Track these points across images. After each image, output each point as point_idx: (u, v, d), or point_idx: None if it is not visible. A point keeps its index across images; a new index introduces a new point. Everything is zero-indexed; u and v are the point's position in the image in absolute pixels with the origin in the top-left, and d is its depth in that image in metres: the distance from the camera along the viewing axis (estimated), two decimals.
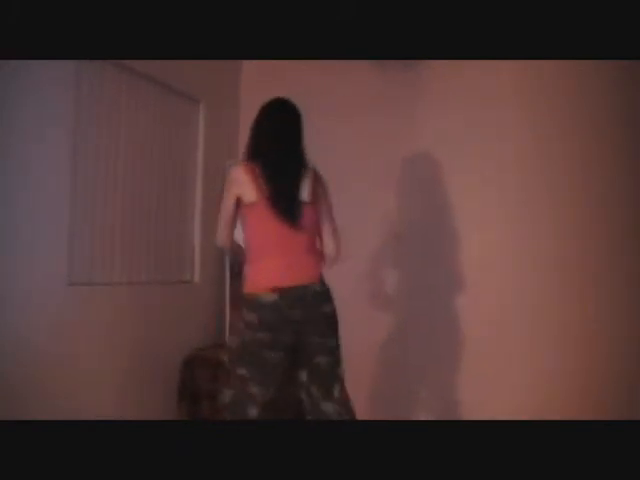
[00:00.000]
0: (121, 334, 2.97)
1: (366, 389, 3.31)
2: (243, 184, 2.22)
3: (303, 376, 2.28)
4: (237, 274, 3.44)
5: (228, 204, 2.28)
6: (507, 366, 3.11)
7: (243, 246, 2.35)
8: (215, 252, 3.70)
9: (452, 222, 3.31)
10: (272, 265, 2.22)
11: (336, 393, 2.28)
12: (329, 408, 2.25)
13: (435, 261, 3.37)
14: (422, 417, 3.29)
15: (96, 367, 2.80)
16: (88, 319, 2.78)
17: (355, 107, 3.53)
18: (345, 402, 2.30)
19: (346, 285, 2.94)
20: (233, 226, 2.34)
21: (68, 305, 2.67)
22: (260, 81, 3.75)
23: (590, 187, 3.02)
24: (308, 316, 2.20)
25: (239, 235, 2.41)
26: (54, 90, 2.59)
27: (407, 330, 3.39)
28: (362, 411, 2.45)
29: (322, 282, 2.28)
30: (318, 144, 2.51)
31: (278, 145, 2.29)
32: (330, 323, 2.27)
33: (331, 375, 2.28)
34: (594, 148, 3.01)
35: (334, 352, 2.29)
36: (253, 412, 2.20)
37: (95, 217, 2.89)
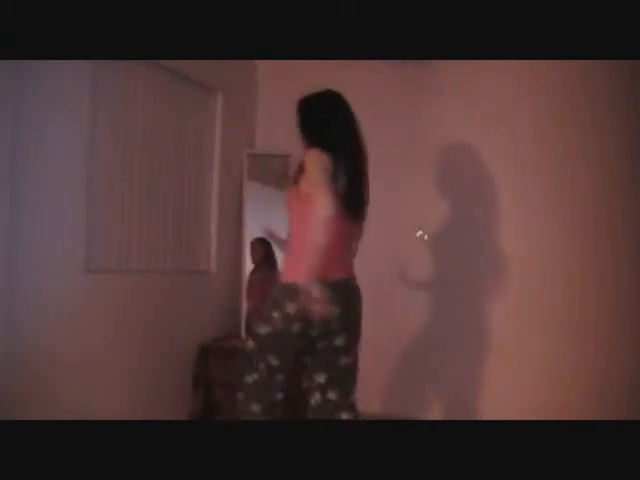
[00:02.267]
0: (137, 322, 2.97)
1: (379, 386, 3.32)
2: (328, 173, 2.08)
3: (321, 378, 2.21)
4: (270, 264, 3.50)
5: (330, 196, 1.99)
6: (507, 367, 3.11)
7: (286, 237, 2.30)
8: (231, 242, 3.71)
9: (464, 223, 3.31)
10: (324, 257, 2.06)
11: (352, 400, 2.22)
12: (346, 417, 2.19)
13: (445, 261, 3.36)
14: (434, 416, 3.27)
15: (111, 354, 2.81)
16: (105, 306, 2.78)
17: (369, 103, 3.49)
18: (357, 412, 2.24)
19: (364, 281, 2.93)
20: None
21: (85, 292, 2.68)
22: (278, 70, 3.73)
23: (594, 186, 3.02)
24: (342, 312, 2.14)
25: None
26: (72, 79, 2.59)
27: (420, 329, 3.38)
28: (373, 409, 2.44)
29: (354, 277, 2.24)
30: None
31: (354, 140, 2.23)
32: (356, 323, 2.22)
33: (350, 380, 2.22)
34: (597, 148, 3.01)
35: (354, 355, 2.22)
36: (279, 396, 2.17)
37: (113, 205, 2.90)
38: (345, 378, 2.22)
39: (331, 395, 2.20)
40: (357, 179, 2.19)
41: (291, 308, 2.08)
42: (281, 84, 3.68)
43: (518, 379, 3.08)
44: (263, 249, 3.53)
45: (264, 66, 3.87)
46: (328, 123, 2.22)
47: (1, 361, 2.28)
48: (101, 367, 2.75)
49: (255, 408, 2.16)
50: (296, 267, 2.06)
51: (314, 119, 2.26)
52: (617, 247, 2.95)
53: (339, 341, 2.17)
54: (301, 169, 2.16)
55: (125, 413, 2.83)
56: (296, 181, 2.21)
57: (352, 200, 2.15)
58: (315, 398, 2.22)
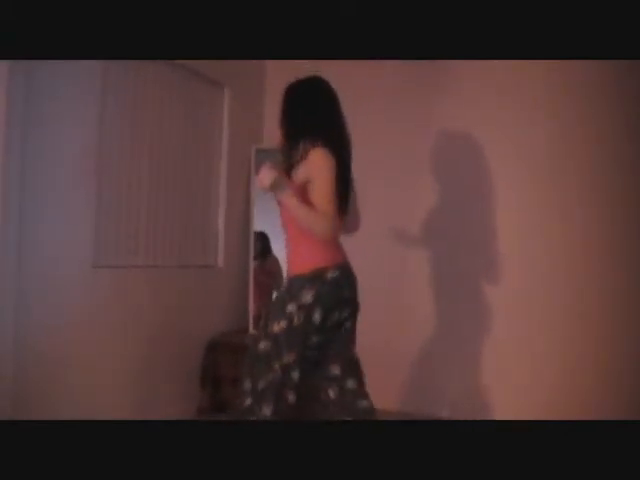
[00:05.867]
0: (145, 317, 3.00)
1: (387, 384, 3.31)
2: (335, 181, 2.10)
3: (336, 370, 2.18)
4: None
5: (335, 218, 2.07)
6: (508, 367, 3.12)
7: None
8: (239, 237, 3.72)
9: (466, 222, 3.31)
10: (331, 242, 2.13)
11: (366, 389, 2.20)
12: (365, 405, 2.17)
13: (448, 260, 3.36)
14: (442, 414, 3.27)
15: (119, 350, 2.84)
16: (112, 301, 2.81)
17: (372, 101, 3.51)
18: (371, 400, 2.21)
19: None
20: None
21: (93, 287, 2.71)
22: (285, 65, 3.71)
23: (595, 186, 3.01)
24: (350, 295, 2.16)
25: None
26: (82, 75, 2.61)
27: (420, 328, 3.38)
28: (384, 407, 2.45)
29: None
30: None
31: (347, 133, 2.20)
32: (357, 308, 2.22)
33: (360, 368, 2.21)
34: (597, 148, 3.00)
35: (355, 342, 2.24)
36: (292, 397, 2.09)
37: (121, 201, 2.93)
38: (356, 366, 2.20)
39: (350, 384, 2.17)
40: (347, 174, 2.16)
41: (308, 296, 2.06)
42: (289, 79, 3.67)
43: (518, 379, 3.08)
44: (260, 243, 3.57)
45: (271, 61, 3.87)
46: (320, 112, 2.17)
47: (10, 358, 2.32)
48: (108, 362, 2.78)
49: (266, 411, 2.07)
50: (301, 258, 2.11)
51: (307, 108, 2.18)
52: (619, 246, 2.94)
53: (348, 326, 2.17)
54: (301, 159, 2.10)
55: (133, 409, 2.87)
56: (289, 169, 2.14)
57: (343, 197, 2.13)
58: (333, 391, 2.18)
